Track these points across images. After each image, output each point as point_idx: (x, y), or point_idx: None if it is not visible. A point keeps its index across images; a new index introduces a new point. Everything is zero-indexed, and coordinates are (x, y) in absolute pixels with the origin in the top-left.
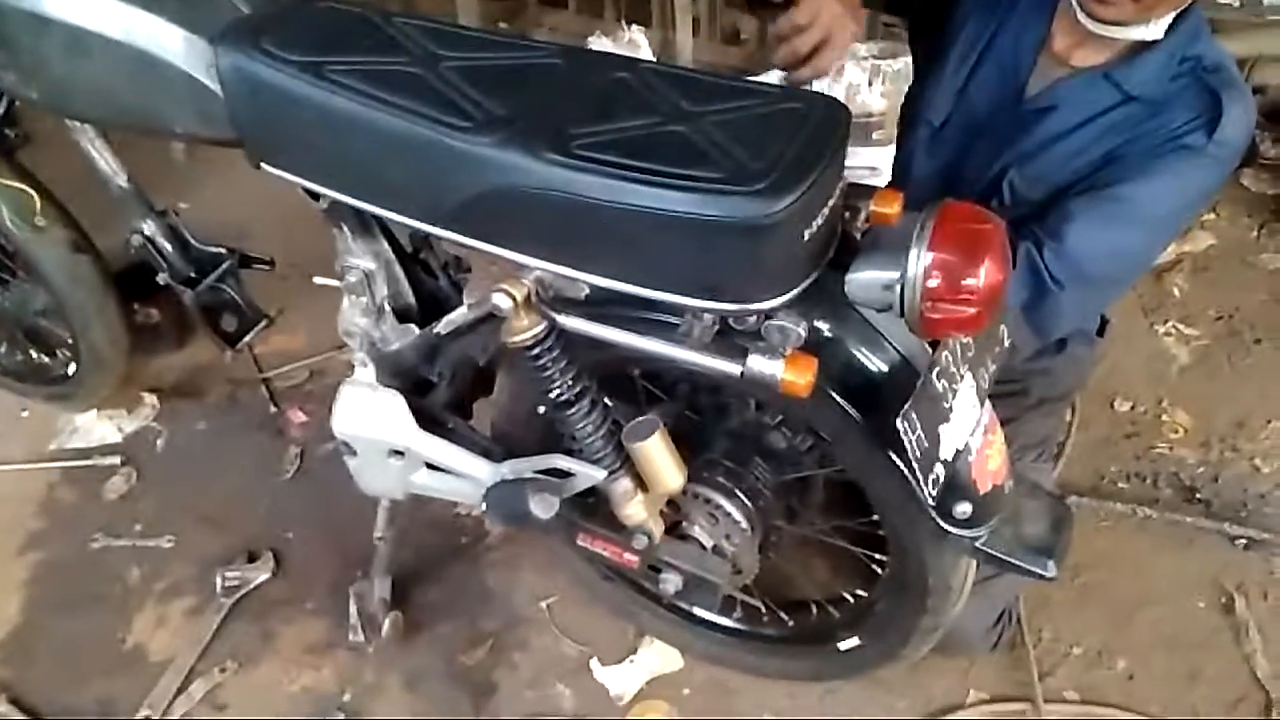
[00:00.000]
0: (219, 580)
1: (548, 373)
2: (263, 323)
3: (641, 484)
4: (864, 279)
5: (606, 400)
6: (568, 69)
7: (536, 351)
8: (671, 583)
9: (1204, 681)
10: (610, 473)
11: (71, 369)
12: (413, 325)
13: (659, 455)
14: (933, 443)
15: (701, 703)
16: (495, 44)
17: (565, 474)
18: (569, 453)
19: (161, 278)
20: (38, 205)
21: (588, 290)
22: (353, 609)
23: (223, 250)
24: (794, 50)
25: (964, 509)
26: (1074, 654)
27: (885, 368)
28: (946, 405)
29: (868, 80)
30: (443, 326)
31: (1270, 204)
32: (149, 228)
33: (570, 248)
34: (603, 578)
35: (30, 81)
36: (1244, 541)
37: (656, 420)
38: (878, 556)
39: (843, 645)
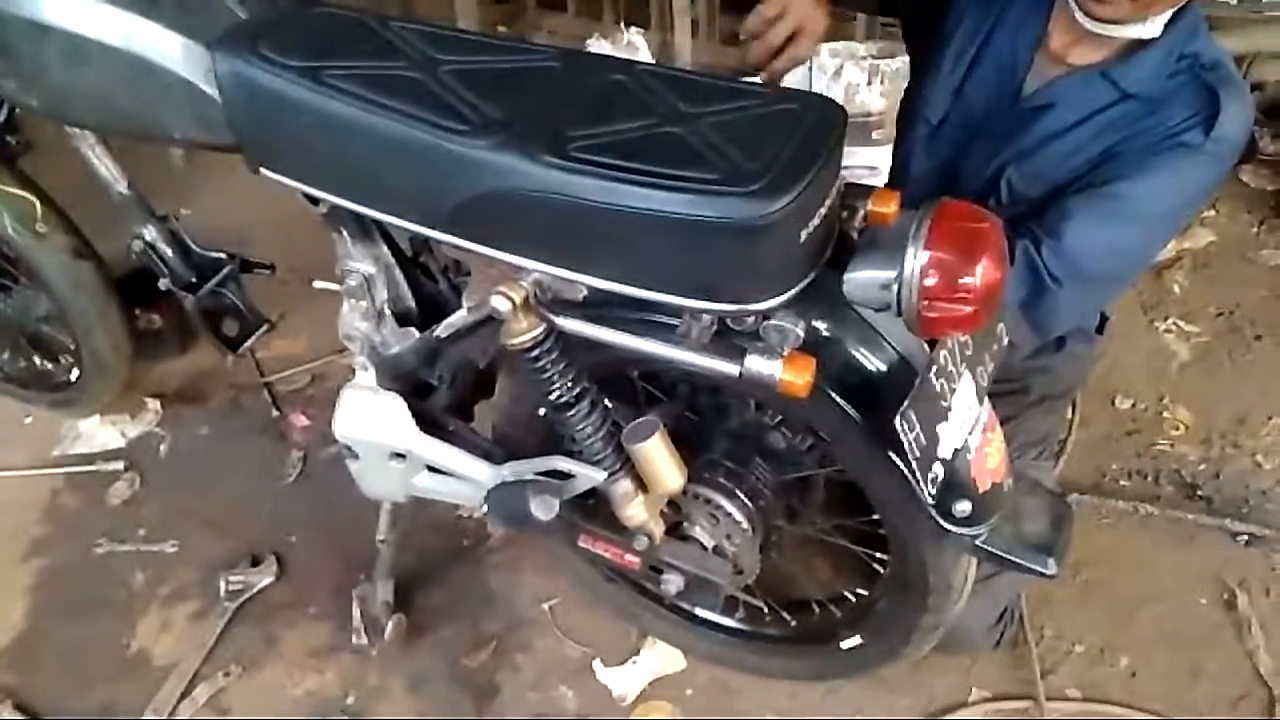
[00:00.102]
0: (222, 584)
1: (547, 375)
2: (264, 327)
3: (642, 485)
4: (861, 278)
5: (606, 402)
6: (565, 72)
7: (535, 353)
8: (673, 583)
9: (1206, 678)
10: (610, 474)
11: (74, 375)
12: (413, 329)
13: (659, 456)
14: (931, 441)
15: (704, 703)
16: (492, 47)
17: (566, 475)
18: (569, 454)
19: (163, 283)
20: (39, 212)
21: (586, 292)
22: (356, 612)
23: (223, 255)
24: (768, 44)
25: (963, 507)
26: (1076, 651)
27: (883, 367)
28: (945, 404)
29: (866, 80)
30: (442, 330)
31: (1270, 200)
32: (150, 233)
33: (568, 250)
34: (605, 579)
35: (30, 89)
36: (1245, 538)
37: (656, 421)
38: (879, 555)
39: (845, 644)
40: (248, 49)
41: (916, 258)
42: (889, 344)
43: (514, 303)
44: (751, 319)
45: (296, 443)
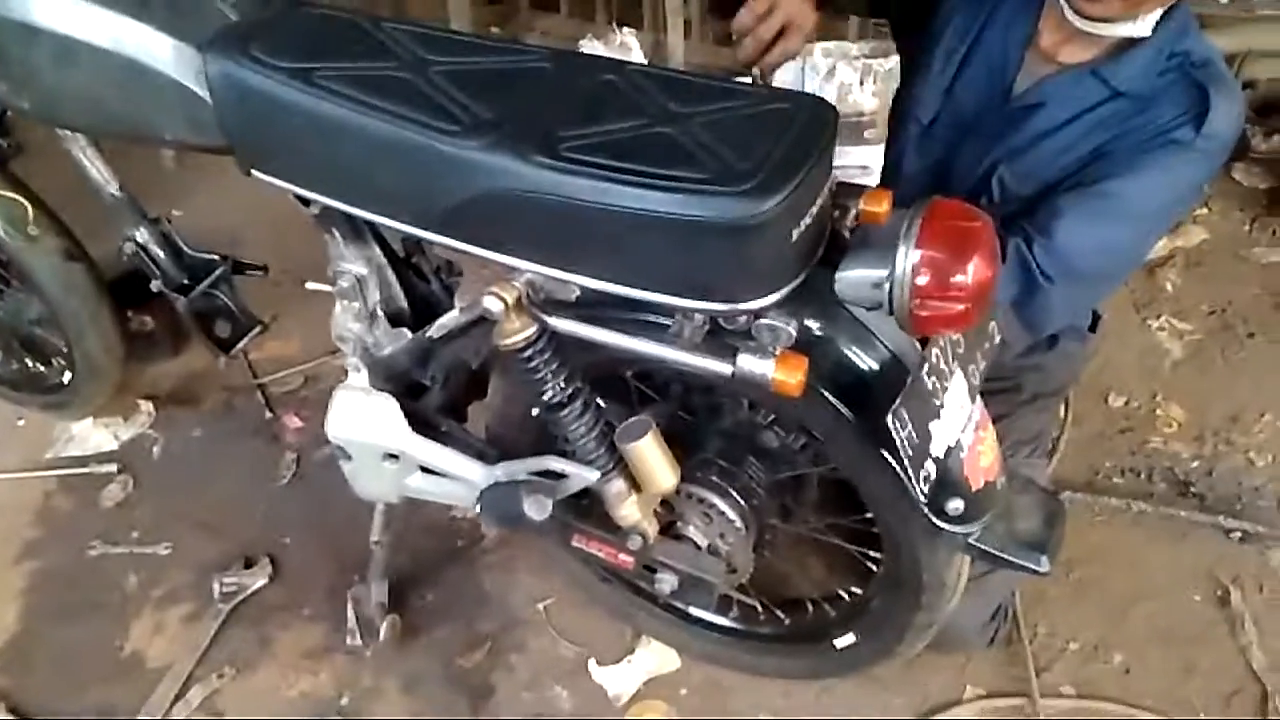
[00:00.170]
0: (216, 586)
1: (540, 375)
2: (257, 329)
3: (635, 485)
4: (853, 277)
5: (599, 401)
6: (556, 72)
7: (528, 354)
8: (667, 583)
9: (1200, 675)
10: (604, 474)
11: (67, 377)
12: (405, 329)
13: (652, 455)
14: (924, 440)
15: (699, 702)
16: (483, 48)
17: (559, 475)
18: (563, 454)
19: (155, 285)
20: (30, 215)
21: (578, 292)
22: (350, 613)
23: (216, 257)
24: (759, 38)
25: (956, 505)
26: (1070, 649)
27: (876, 366)
28: (937, 402)
29: (859, 79)
30: (435, 330)
31: (1262, 198)
32: (142, 235)
33: (560, 250)
34: (599, 579)
35: (21, 91)
36: (1239, 534)
37: (649, 421)
38: (872, 554)
39: (839, 643)
40: (239, 50)
41: (908, 256)
42: (881, 343)
43: (506, 303)
44: (744, 318)
45: (290, 444)
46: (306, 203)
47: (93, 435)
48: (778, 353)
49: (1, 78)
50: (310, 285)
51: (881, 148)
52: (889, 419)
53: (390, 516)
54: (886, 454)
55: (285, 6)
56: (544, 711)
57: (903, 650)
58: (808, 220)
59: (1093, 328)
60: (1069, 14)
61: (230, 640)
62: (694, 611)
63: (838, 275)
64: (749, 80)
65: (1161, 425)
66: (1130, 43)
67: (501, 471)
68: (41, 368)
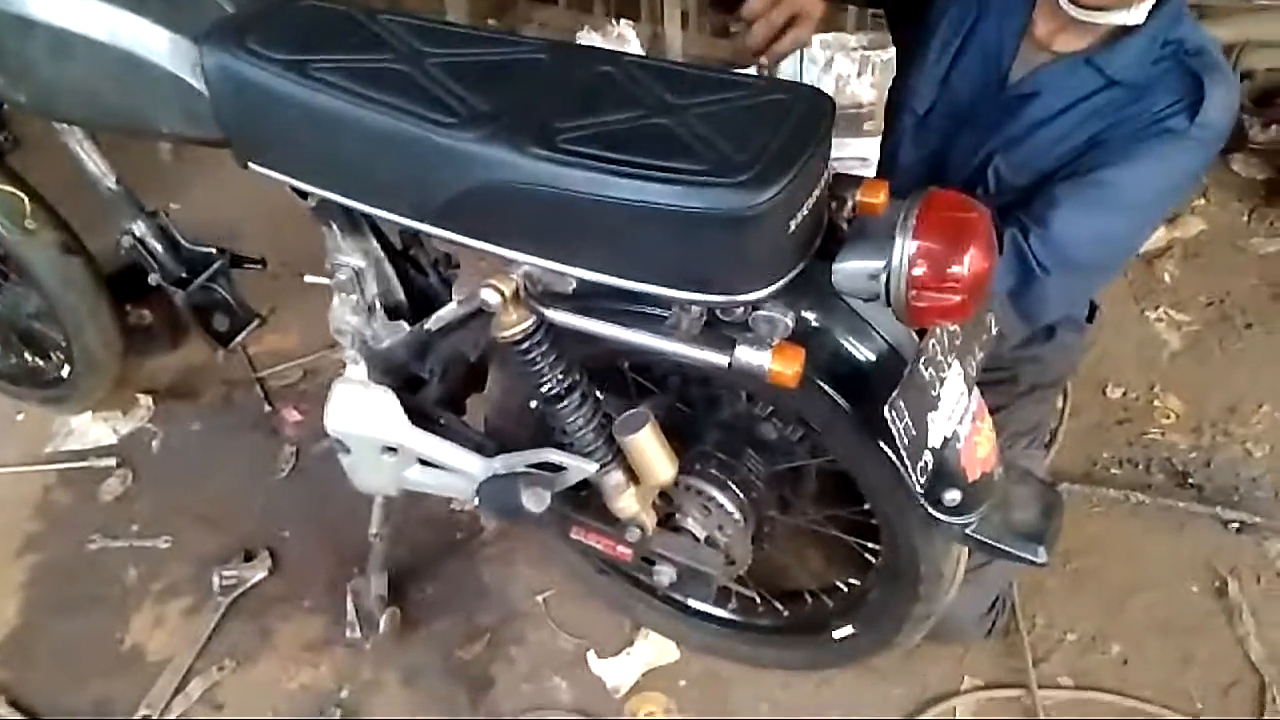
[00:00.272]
0: (216, 579)
1: (538, 367)
2: (255, 322)
3: (633, 477)
4: (850, 268)
5: (597, 394)
6: (552, 64)
7: (526, 346)
8: (665, 575)
9: (1198, 665)
10: (602, 466)
11: (65, 371)
12: (403, 322)
13: (650, 447)
14: (920, 431)
15: (698, 694)
16: (480, 40)
17: (557, 468)
18: (561, 447)
19: (153, 279)
20: (28, 208)
21: (575, 284)
22: (350, 606)
23: (213, 250)
24: (771, 24)
25: (953, 496)
26: (1068, 640)
27: (873, 357)
28: (934, 393)
29: (857, 71)
30: (433, 323)
31: (1260, 189)
32: (139, 229)
33: (557, 242)
34: (597, 571)
35: (17, 84)
36: (1236, 525)
37: (647, 413)
38: (870, 545)
39: (837, 634)
40: (235, 43)
41: (905, 247)
42: (878, 334)
43: (504, 295)
44: (740, 310)
45: (289, 437)
46: (304, 195)
47: (92, 429)
48: (774, 344)
49: None
50: (308, 278)
51: (880, 139)
52: (886, 410)
53: (389, 509)
54: (884, 445)
55: None
56: (543, 703)
57: (901, 641)
58: (805, 211)
59: (1090, 319)
60: (1063, 2)
61: (230, 633)
62: (693, 603)
63: (835, 266)
64: (747, 72)
65: (1159, 416)
66: (1124, 31)
67: (500, 464)
68: (40, 362)
